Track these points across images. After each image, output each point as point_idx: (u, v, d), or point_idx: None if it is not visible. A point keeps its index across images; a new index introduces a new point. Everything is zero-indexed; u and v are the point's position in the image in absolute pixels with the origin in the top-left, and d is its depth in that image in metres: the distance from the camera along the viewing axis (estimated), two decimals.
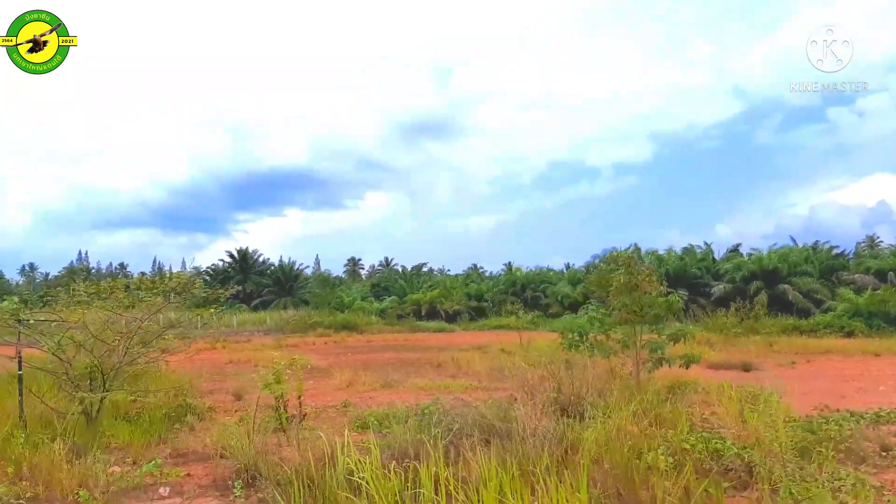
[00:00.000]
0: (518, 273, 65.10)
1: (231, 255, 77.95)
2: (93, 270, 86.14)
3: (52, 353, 7.44)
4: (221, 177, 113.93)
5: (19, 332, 7.59)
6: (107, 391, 7.41)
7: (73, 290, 7.74)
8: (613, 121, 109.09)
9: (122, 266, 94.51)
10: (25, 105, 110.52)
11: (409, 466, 4.66)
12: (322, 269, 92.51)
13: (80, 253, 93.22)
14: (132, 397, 7.85)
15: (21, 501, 4.92)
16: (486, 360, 17.57)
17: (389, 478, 4.41)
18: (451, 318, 58.32)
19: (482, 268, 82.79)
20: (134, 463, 6.31)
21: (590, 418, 6.97)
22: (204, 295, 8.24)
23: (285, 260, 79.26)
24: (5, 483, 5.27)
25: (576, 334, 11.49)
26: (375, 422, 8.06)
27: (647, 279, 9.90)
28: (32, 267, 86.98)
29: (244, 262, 76.51)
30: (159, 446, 7.06)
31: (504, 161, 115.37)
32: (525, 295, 58.44)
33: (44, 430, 7.41)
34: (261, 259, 79.50)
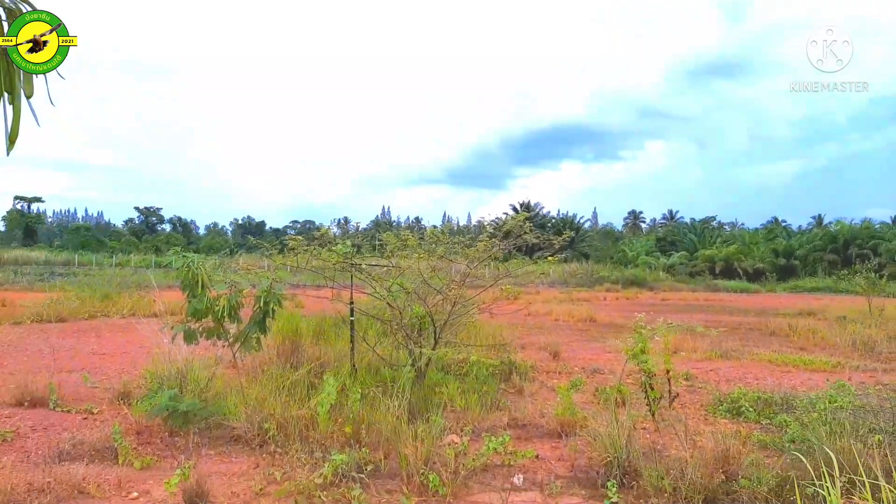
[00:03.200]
0: (841, 227, 55.29)
1: (514, 209, 79.84)
2: (393, 223, 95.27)
3: (384, 300, 6.95)
4: (503, 135, 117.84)
5: (352, 277, 7.26)
6: (436, 343, 6.72)
7: (402, 237, 7.15)
8: None
9: (418, 220, 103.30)
10: (346, 96, 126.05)
11: None
12: (600, 222, 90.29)
13: (383, 208, 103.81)
14: (464, 354, 7.13)
15: (362, 476, 4.19)
16: (831, 329, 14.36)
17: None
18: (752, 277, 52.26)
19: (784, 221, 73.18)
20: (472, 432, 5.42)
21: None
22: (536, 241, 7.12)
23: (563, 213, 79.21)
24: (345, 447, 4.66)
25: None
26: (750, 408, 6.26)
27: None
28: (346, 220, 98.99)
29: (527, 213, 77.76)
30: (494, 413, 6.14)
31: (812, 100, 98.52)
32: (849, 253, 49.75)
33: (373, 378, 7.04)
34: (542, 212, 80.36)
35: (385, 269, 7.34)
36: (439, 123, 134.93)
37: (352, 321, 7.39)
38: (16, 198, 76.60)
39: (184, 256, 5.26)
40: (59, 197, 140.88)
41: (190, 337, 5.33)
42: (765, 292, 43.55)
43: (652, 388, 5.23)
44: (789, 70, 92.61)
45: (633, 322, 5.75)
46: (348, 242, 6.89)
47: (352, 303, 7.34)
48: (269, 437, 5.01)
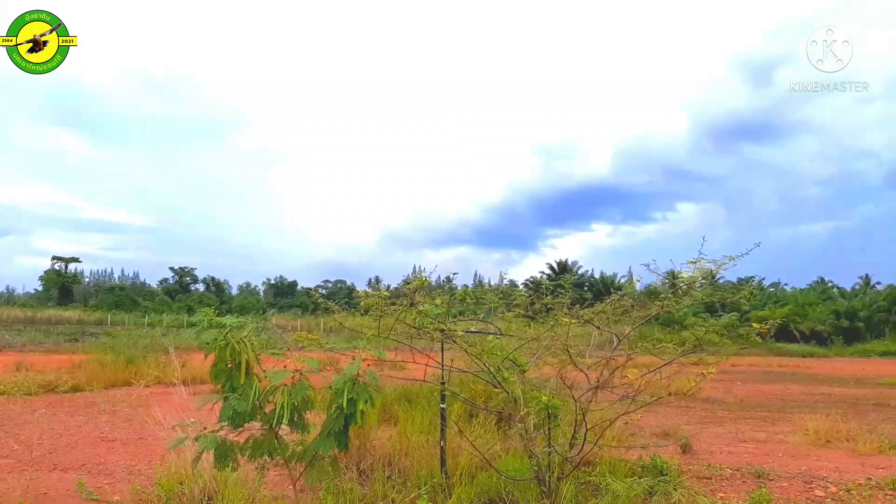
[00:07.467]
0: None
1: (551, 268, 77.75)
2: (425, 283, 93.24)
3: (489, 380, 4.95)
4: (531, 195, 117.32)
5: (442, 346, 5.30)
6: (575, 442, 4.66)
7: (515, 294, 5.25)
8: None
9: (448, 279, 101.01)
10: (375, 147, 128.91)
11: None
12: (636, 282, 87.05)
13: (414, 267, 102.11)
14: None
15: None
16: None
17: None
18: (808, 339, 48.77)
19: (830, 282, 69.59)
20: None
21: None
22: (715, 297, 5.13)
23: (596, 274, 77.05)
24: None
25: None
26: None
27: None
28: (378, 280, 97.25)
29: (563, 274, 75.36)
30: None
31: (842, 160, 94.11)
32: None
33: (472, 490, 5.00)
34: (580, 271, 78.20)
35: (493, 336, 5.36)
36: (464, 183, 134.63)
37: (442, 409, 5.38)
38: (53, 258, 76.70)
39: (216, 321, 3.33)
40: (97, 257, 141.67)
41: (224, 455, 3.35)
42: (832, 356, 40.38)
43: None
44: (818, 132, 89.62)
45: None
46: (438, 301, 4.97)
47: (444, 383, 5.34)
48: None
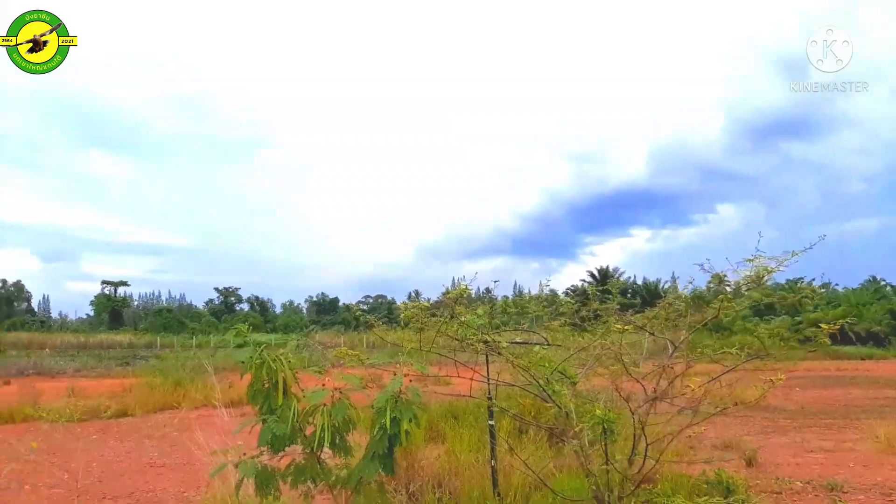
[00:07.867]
0: None
1: (592, 276, 76.62)
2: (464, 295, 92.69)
3: (537, 394, 4.70)
4: (566, 202, 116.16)
5: (487, 359, 5.07)
6: (633, 458, 4.38)
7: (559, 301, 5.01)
8: None
9: (488, 290, 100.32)
10: (408, 160, 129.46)
11: None
12: (680, 286, 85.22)
13: (453, 279, 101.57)
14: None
15: None
16: None
17: None
18: (864, 341, 46.79)
19: (883, 280, 66.95)
20: None
21: None
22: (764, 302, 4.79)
23: (638, 280, 75.63)
24: None
25: None
26: None
27: None
28: (418, 294, 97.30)
29: (605, 281, 74.16)
30: None
31: (886, 154, 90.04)
32: None
33: None
34: (622, 278, 76.85)
35: (537, 346, 5.12)
36: (499, 193, 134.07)
37: (491, 426, 5.14)
38: (103, 282, 78.86)
39: (251, 338, 3.18)
40: (145, 280, 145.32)
41: (266, 483, 3.18)
42: (891, 358, 38.76)
43: None
44: (860, 125, 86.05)
45: None
46: (479, 311, 4.74)
47: (491, 398, 5.10)
48: None
